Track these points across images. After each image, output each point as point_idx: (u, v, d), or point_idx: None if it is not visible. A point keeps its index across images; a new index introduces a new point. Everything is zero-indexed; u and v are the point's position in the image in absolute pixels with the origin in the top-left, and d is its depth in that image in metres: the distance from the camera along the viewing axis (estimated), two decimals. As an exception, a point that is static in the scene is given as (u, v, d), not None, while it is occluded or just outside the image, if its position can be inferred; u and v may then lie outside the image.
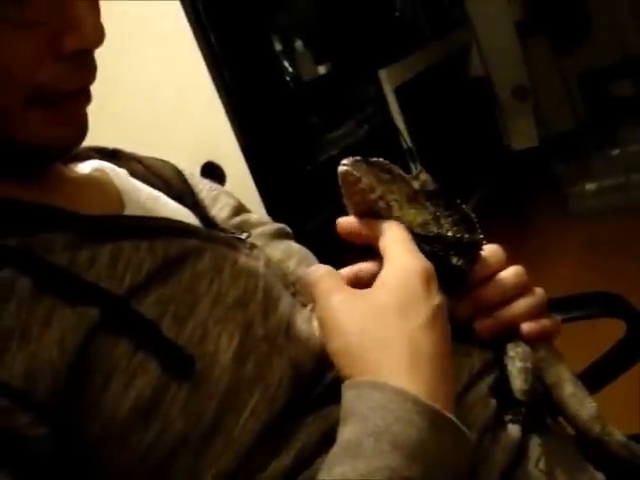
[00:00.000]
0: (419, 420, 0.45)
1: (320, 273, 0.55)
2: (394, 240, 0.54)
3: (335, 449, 0.46)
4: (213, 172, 1.73)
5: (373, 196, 0.55)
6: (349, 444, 0.45)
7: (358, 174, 0.54)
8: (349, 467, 0.44)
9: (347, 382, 0.49)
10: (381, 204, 0.55)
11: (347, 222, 0.57)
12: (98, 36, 0.52)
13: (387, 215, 0.56)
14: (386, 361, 0.48)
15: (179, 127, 1.77)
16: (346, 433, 0.46)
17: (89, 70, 0.55)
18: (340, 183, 0.55)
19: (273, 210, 1.74)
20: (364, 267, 0.58)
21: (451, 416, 0.46)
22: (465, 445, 0.47)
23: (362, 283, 0.56)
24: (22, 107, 0.51)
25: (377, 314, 0.50)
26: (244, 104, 1.88)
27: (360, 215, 0.57)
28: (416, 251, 0.53)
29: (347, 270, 0.58)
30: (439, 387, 0.48)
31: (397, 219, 0.56)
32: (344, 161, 0.54)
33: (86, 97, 0.56)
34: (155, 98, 1.76)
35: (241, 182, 1.78)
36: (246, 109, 1.89)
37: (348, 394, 0.48)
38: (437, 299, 0.51)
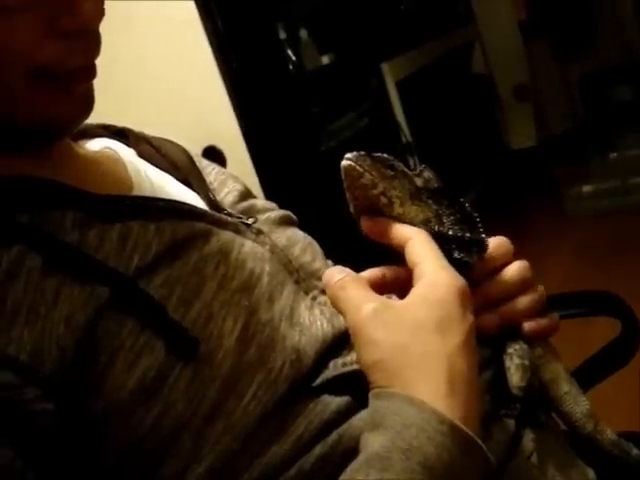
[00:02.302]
0: (452, 444, 0.45)
1: (343, 278, 0.53)
2: (424, 251, 0.53)
3: (361, 458, 0.46)
4: (214, 156, 1.73)
5: (375, 192, 0.55)
6: (378, 456, 0.44)
7: (361, 169, 0.54)
8: (374, 479, 0.43)
9: (380, 390, 0.48)
10: (383, 200, 0.55)
11: (371, 221, 0.56)
12: (95, 15, 0.52)
13: (389, 211, 0.55)
14: (424, 380, 0.47)
15: (182, 110, 1.77)
16: (375, 444, 0.45)
17: (92, 47, 0.54)
18: (343, 177, 0.55)
19: (272, 198, 1.74)
20: (387, 272, 0.56)
21: (480, 443, 0.46)
22: (489, 470, 0.47)
23: (387, 289, 0.55)
24: (26, 87, 0.51)
25: (416, 329, 0.49)
26: (247, 90, 1.88)
27: (362, 210, 0.56)
28: (450, 266, 0.52)
29: (369, 274, 0.56)
30: (471, 411, 0.48)
31: (399, 216, 0.56)
32: (348, 155, 0.54)
33: (91, 74, 0.56)
34: (160, 81, 1.76)
35: (241, 168, 1.78)
36: (249, 95, 1.89)
37: (381, 403, 0.47)
38: (471, 318, 0.51)
